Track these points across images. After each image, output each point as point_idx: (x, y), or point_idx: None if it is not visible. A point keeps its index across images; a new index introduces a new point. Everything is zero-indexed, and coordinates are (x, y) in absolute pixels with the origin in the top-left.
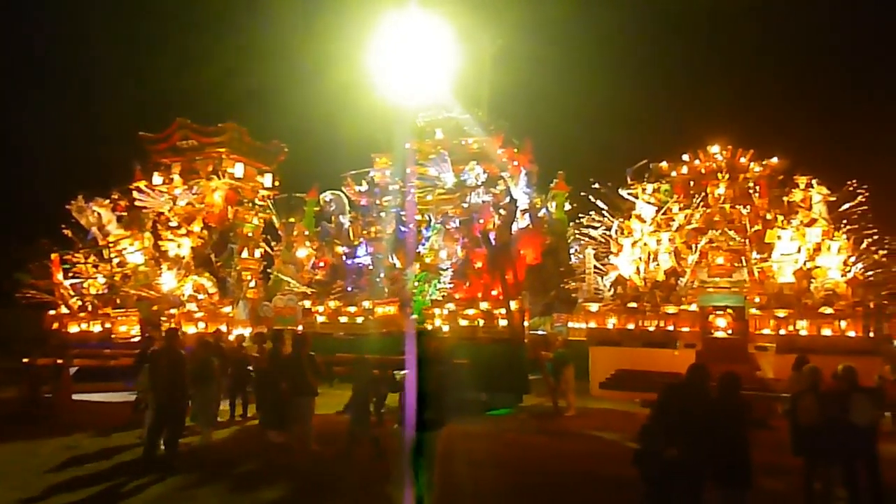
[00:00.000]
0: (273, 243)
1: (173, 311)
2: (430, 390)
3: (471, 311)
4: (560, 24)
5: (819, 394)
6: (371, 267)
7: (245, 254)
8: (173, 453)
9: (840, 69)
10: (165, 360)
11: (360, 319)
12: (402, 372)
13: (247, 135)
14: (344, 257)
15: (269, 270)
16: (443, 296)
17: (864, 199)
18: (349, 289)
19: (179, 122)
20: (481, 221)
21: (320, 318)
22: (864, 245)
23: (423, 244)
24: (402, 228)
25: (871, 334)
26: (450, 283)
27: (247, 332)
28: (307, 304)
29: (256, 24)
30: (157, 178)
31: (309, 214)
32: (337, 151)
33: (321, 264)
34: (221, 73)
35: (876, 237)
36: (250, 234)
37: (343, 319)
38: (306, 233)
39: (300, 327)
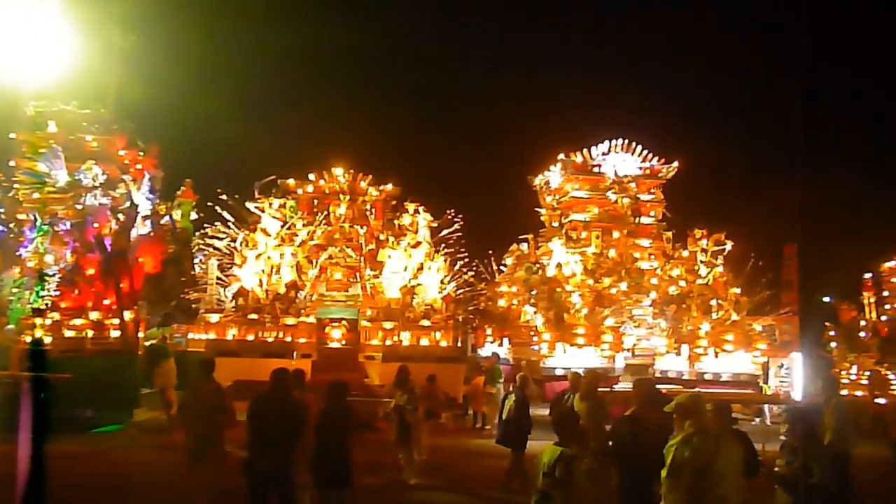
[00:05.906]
0: None
1: None
2: None
3: (79, 321)
4: (202, 31)
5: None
6: None
7: None
8: None
9: (447, 115)
10: None
11: None
12: None
13: None
14: None
15: None
16: (47, 304)
17: (459, 228)
18: None
19: None
20: (96, 225)
21: None
22: (457, 267)
23: (26, 246)
24: (1, 228)
25: (459, 344)
26: (56, 291)
27: None
28: None
29: None
30: None
31: None
32: None
33: None
34: None
35: (467, 260)
36: None
37: None
38: None
39: None
